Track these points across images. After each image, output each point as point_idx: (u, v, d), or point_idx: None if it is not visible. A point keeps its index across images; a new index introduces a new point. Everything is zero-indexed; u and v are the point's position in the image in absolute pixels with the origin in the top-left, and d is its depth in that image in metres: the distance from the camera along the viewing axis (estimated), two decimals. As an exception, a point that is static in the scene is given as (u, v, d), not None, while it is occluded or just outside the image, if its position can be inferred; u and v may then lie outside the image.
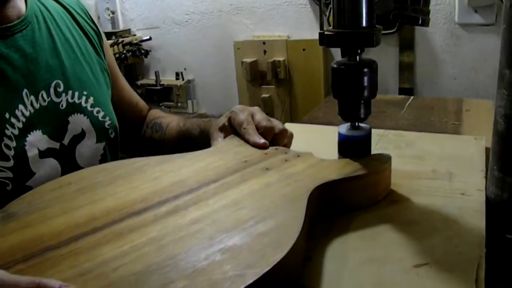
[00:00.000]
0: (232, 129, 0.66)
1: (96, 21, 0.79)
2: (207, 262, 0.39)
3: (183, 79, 1.85)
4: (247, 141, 0.62)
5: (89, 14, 0.78)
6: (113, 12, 1.87)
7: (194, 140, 0.76)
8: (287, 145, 0.65)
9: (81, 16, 0.75)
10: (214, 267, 0.38)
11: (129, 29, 1.88)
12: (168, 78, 1.88)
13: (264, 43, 1.61)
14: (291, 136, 0.66)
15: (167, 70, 1.88)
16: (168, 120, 0.86)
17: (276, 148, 0.61)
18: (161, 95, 1.88)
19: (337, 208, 0.54)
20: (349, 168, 0.54)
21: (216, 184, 0.53)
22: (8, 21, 0.61)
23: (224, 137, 0.66)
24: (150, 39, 1.84)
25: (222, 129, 0.67)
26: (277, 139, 0.63)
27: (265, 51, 1.61)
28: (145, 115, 0.90)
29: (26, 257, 0.41)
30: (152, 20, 1.84)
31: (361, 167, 0.54)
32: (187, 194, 0.51)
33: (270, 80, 1.61)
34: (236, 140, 0.64)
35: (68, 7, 0.74)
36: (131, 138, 0.88)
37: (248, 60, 1.61)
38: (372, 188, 0.55)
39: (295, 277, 0.43)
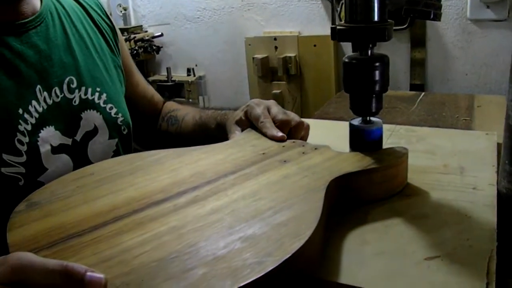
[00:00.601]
0: (248, 122, 0.67)
1: (108, 17, 0.80)
2: (227, 250, 0.40)
3: (194, 75, 1.86)
4: (264, 135, 0.63)
5: (104, 10, 0.78)
6: (125, 9, 1.88)
7: (210, 133, 0.77)
8: (304, 137, 0.66)
9: (96, 12, 0.76)
10: (234, 255, 0.39)
11: (141, 26, 1.90)
12: (179, 74, 1.89)
13: (275, 39, 1.61)
14: (308, 128, 0.66)
15: (178, 66, 1.89)
16: (183, 112, 0.86)
17: (294, 141, 0.62)
18: (172, 91, 1.89)
19: (353, 200, 0.54)
20: (366, 161, 0.55)
21: (235, 176, 0.54)
22: (23, 17, 0.62)
23: (241, 131, 0.67)
24: (161, 35, 1.86)
25: (239, 122, 0.68)
26: (294, 131, 0.64)
27: (276, 47, 1.61)
28: (160, 108, 0.91)
29: (49, 244, 0.42)
30: (163, 17, 1.85)
31: (378, 160, 0.55)
32: (206, 185, 0.52)
33: (281, 76, 1.61)
34: (253, 133, 0.65)
35: (83, 3, 0.74)
36: (147, 131, 0.89)
37: (259, 56, 1.62)
38: (389, 181, 0.56)
39: (313, 267, 0.44)
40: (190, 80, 1.85)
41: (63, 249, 0.42)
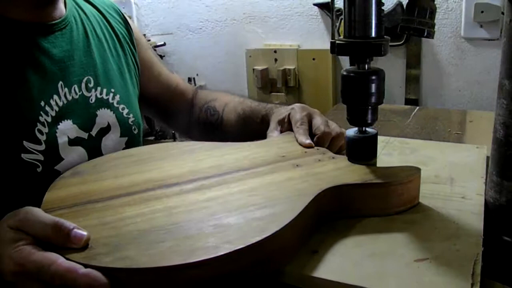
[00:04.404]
0: (289, 124, 0.70)
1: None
2: (198, 232, 0.44)
3: (195, 84, 1.89)
4: (296, 139, 0.66)
5: (122, 15, 0.83)
6: (129, 17, 1.91)
7: (255, 127, 0.79)
8: (343, 146, 0.68)
9: (114, 17, 0.81)
10: (200, 237, 0.43)
11: (144, 35, 1.93)
12: (180, 83, 1.92)
13: (275, 51, 1.64)
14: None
15: (179, 75, 1.87)
16: (221, 102, 0.89)
17: (318, 149, 0.64)
18: (172, 99, 1.91)
19: (353, 211, 0.55)
20: (372, 175, 0.55)
21: (246, 172, 0.57)
22: (51, 20, 0.67)
23: (281, 131, 0.70)
24: (164, 44, 1.89)
25: (281, 122, 0.71)
26: (333, 141, 0.67)
27: (276, 60, 1.64)
28: (190, 97, 0.93)
29: (72, 205, 0.50)
30: (167, 26, 1.88)
31: (383, 176, 0.55)
32: (217, 176, 0.56)
33: (280, 88, 1.64)
34: (289, 137, 0.68)
35: (102, 9, 0.79)
36: (180, 120, 0.91)
37: (259, 67, 1.65)
38: (393, 197, 0.55)
39: (278, 265, 0.46)
40: (190, 89, 1.87)
41: (78, 210, 0.49)
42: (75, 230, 0.43)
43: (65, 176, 0.58)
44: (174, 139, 1.92)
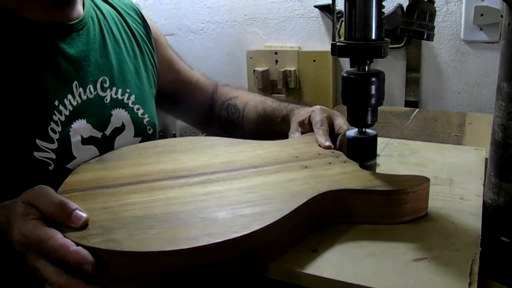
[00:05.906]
0: (310, 126, 0.71)
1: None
2: (185, 223, 0.45)
3: (195, 86, 1.90)
4: (317, 140, 0.66)
5: (141, 15, 0.83)
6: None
7: (275, 126, 0.80)
8: None
9: (132, 17, 0.81)
10: (186, 228, 0.44)
11: (145, 35, 1.94)
12: (180, 84, 1.92)
13: (276, 53, 1.65)
14: None
15: (180, 76, 1.92)
16: (243, 100, 0.90)
17: (333, 151, 0.63)
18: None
19: (353, 217, 0.53)
20: (376, 181, 0.53)
21: (253, 170, 0.57)
22: (68, 20, 0.68)
23: (302, 133, 0.70)
24: (165, 45, 1.90)
25: (301, 124, 0.72)
26: None
27: (276, 61, 1.65)
28: (210, 92, 0.94)
29: (85, 188, 0.52)
30: (168, 27, 1.88)
31: (388, 183, 0.53)
32: (224, 172, 0.56)
33: (280, 89, 1.65)
34: (308, 138, 0.68)
35: (120, 9, 0.80)
36: (202, 116, 0.93)
37: (260, 69, 1.65)
38: (396, 206, 0.53)
39: (262, 263, 0.46)
40: (191, 90, 1.88)
41: (88, 194, 0.51)
42: (76, 211, 0.46)
43: (91, 162, 0.61)
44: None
